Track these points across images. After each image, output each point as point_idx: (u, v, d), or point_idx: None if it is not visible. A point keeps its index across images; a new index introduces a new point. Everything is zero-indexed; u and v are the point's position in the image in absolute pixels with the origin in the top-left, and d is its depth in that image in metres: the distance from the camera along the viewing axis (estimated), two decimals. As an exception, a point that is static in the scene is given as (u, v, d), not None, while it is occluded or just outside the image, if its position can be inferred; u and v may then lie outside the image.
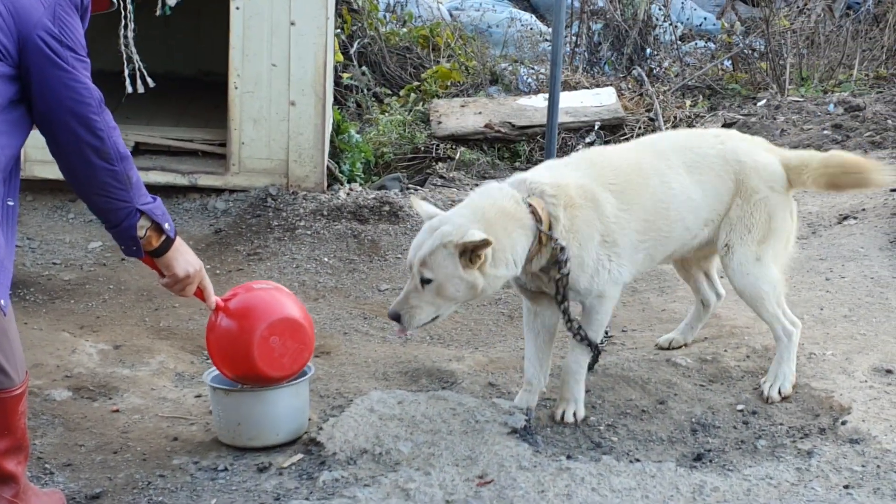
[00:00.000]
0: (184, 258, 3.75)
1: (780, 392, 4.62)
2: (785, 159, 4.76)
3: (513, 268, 4.22)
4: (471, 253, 4.06)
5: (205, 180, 7.37)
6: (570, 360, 4.51)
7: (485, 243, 4.03)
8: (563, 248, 4.25)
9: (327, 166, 7.46)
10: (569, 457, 4.15)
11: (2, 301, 3.35)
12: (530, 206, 4.24)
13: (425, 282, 4.10)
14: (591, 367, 4.69)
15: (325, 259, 6.43)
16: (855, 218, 6.87)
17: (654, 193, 4.52)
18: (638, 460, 4.14)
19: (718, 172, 4.63)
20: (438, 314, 4.20)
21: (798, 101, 9.74)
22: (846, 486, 3.82)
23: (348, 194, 7.18)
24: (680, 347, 5.13)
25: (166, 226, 3.62)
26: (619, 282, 4.48)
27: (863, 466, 3.94)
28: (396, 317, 4.14)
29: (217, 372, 4.36)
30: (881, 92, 10.16)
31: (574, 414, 4.49)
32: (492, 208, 4.24)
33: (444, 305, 4.18)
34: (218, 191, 7.38)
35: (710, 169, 4.63)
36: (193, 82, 9.66)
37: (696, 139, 4.78)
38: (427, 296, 4.12)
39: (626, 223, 4.42)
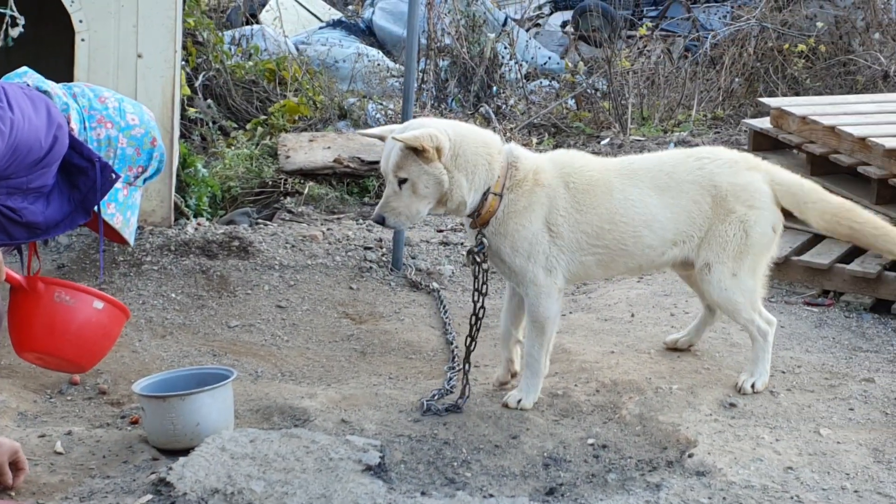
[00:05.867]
0: None
1: (753, 386, 4.90)
2: (778, 179, 4.91)
3: (472, 182, 4.59)
4: (419, 152, 4.46)
5: (47, 214, 7.13)
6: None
7: (418, 140, 4.42)
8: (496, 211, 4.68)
9: (174, 201, 7.34)
10: (423, 493, 4.14)
11: None
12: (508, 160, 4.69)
13: (402, 182, 4.52)
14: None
15: (173, 295, 6.31)
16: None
17: (614, 207, 4.76)
18: (492, 496, 4.16)
19: (693, 197, 4.84)
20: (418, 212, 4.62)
21: (640, 140, 9.99)
22: (694, 518, 3.90)
23: (196, 229, 7.06)
24: (686, 349, 5.39)
25: None
26: (555, 271, 4.74)
27: (709, 498, 4.02)
28: (381, 219, 4.58)
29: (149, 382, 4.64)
30: (718, 132, 10.51)
31: (519, 402, 4.84)
32: (474, 130, 4.72)
33: (420, 203, 4.57)
34: (61, 225, 7.16)
35: (682, 193, 4.84)
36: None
37: (674, 163, 4.93)
38: (405, 195, 4.54)
39: (577, 223, 4.73)
